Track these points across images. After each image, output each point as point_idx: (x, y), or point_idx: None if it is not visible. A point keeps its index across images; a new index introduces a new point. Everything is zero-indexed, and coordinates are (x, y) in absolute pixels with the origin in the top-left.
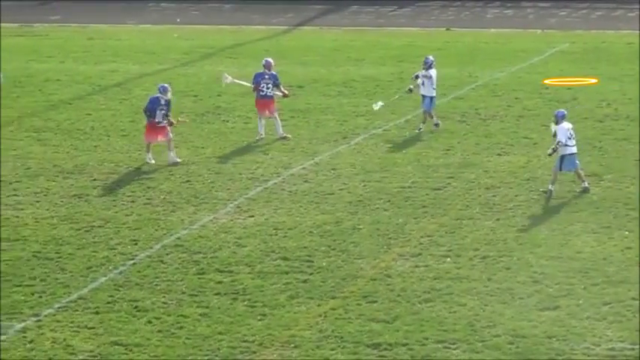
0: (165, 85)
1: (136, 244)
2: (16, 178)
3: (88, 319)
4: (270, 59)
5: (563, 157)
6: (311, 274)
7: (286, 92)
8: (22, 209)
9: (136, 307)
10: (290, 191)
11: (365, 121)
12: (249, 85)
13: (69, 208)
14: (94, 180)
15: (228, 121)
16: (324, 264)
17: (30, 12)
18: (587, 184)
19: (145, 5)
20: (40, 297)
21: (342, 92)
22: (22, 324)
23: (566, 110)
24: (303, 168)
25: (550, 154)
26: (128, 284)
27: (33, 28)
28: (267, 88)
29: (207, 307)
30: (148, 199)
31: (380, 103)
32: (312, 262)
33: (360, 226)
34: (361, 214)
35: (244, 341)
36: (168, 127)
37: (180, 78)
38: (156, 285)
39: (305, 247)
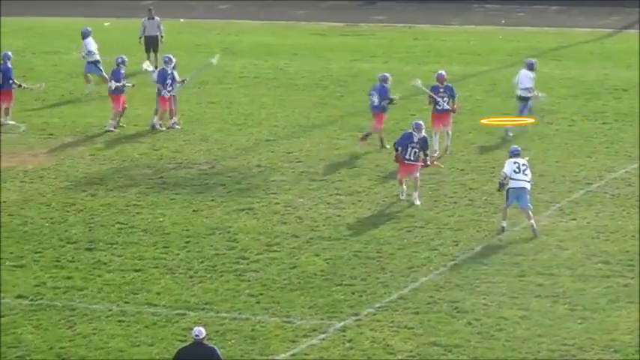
0: (419, 122)
1: (457, 245)
2: (338, 177)
3: (407, 319)
4: (442, 72)
5: (508, 189)
6: (632, 278)
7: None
8: (344, 208)
9: (456, 308)
10: (613, 195)
11: None
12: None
13: (391, 208)
14: None
15: (552, 124)
16: None
17: (355, 11)
18: (532, 222)
19: (469, 6)
20: (361, 296)
21: None
22: (342, 323)
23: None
24: (627, 172)
25: (498, 190)
26: (448, 285)
27: (358, 27)
28: (444, 102)
29: (527, 310)
30: (470, 200)
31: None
32: (634, 266)
33: None
34: None
35: (564, 344)
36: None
37: (504, 80)
38: (476, 286)
39: (627, 251)
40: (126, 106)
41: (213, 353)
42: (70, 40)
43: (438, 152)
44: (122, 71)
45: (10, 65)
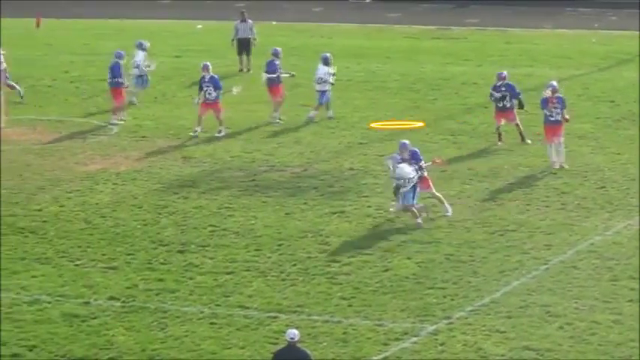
0: (403, 141)
1: (549, 248)
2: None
3: (499, 322)
4: (554, 83)
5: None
6: None
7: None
8: (436, 212)
9: (548, 312)
10: None
11: None
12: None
13: (483, 212)
14: (510, 184)
15: None
16: None
17: (448, 15)
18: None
19: (562, 10)
20: (453, 300)
21: None
22: (434, 326)
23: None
24: None
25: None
26: (540, 289)
27: (450, 30)
28: (557, 113)
29: (619, 314)
30: (563, 204)
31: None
32: None
33: None
34: None
35: None
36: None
37: (596, 83)
38: (568, 290)
39: None
40: (286, 93)
41: (307, 357)
42: (162, 43)
43: (556, 164)
44: (277, 62)
45: (120, 63)
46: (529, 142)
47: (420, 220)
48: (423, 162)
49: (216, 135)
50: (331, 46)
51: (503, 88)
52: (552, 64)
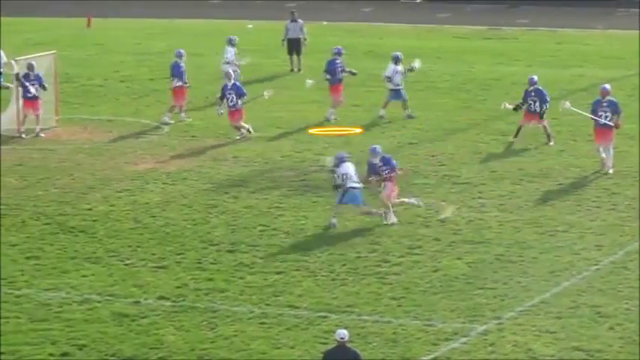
0: (373, 147)
1: (599, 249)
2: (480, 180)
3: (549, 323)
4: (607, 86)
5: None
6: None
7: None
8: (486, 212)
9: (598, 312)
10: None
11: None
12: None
13: (533, 212)
14: (560, 184)
15: None
16: None
17: (498, 15)
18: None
19: (612, 10)
20: (503, 300)
21: None
22: (484, 326)
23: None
24: None
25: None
26: (591, 290)
27: (501, 31)
28: (606, 117)
29: None
30: (613, 204)
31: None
32: None
33: None
34: None
35: None
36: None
37: None
38: (619, 291)
39: None
40: (341, 99)
41: (357, 357)
42: (213, 42)
43: (607, 167)
44: (338, 61)
45: (179, 62)
46: (551, 144)
47: (378, 211)
48: (397, 169)
49: (249, 135)
50: (381, 46)
51: (533, 93)
52: (603, 65)
